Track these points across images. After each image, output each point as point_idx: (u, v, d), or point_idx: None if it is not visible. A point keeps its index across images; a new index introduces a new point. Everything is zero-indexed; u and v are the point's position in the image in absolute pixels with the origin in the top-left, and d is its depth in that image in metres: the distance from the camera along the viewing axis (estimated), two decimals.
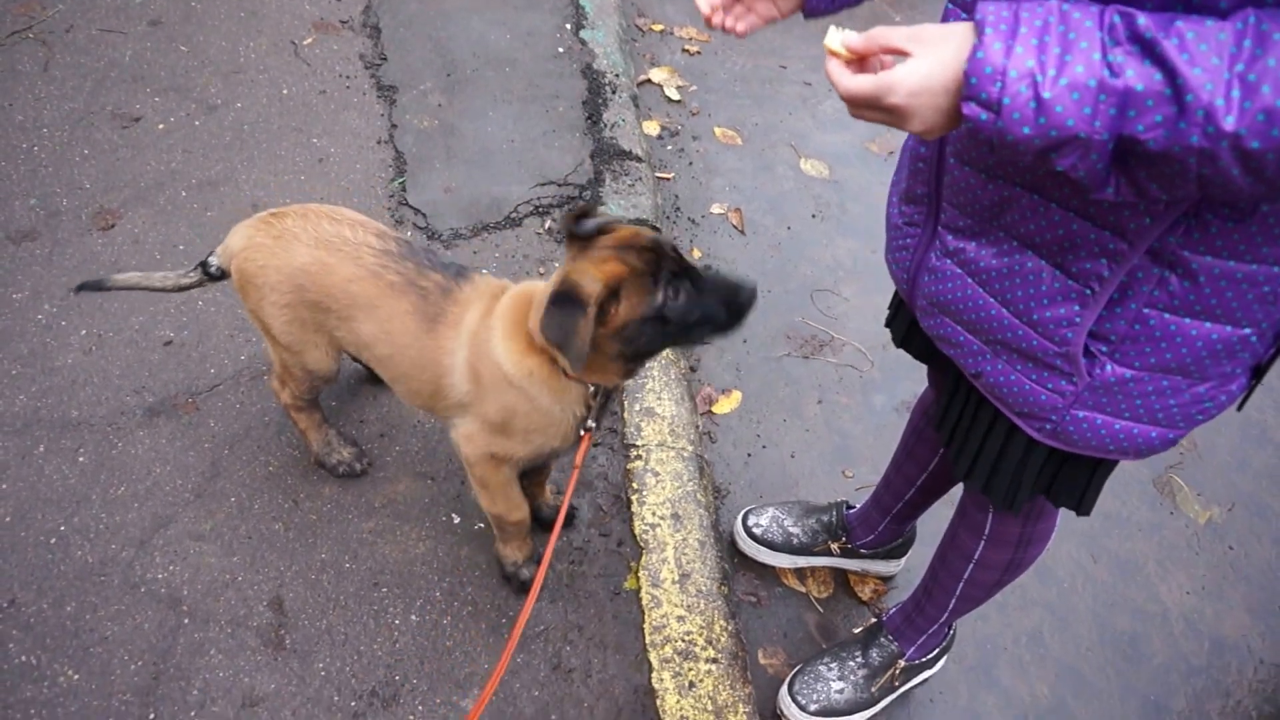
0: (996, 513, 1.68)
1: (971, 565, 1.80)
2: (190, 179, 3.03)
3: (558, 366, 1.72)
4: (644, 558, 2.31)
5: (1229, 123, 0.83)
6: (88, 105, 3.21)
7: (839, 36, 1.04)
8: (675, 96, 3.80)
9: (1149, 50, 0.85)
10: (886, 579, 2.43)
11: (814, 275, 3.19)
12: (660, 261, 1.58)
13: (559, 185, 3.17)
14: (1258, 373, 1.23)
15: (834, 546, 2.36)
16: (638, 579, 2.28)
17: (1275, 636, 2.48)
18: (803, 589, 2.40)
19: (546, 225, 3.05)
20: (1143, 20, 0.86)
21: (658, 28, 4.13)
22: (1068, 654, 2.39)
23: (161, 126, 3.18)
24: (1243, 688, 2.37)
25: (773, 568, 2.41)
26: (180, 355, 2.57)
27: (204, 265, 2.05)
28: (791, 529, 2.37)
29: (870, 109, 1.02)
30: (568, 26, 3.81)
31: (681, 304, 1.60)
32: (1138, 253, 1.10)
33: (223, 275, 2.04)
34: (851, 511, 2.35)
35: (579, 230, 1.62)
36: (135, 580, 2.15)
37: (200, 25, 3.56)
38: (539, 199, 3.12)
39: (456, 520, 2.33)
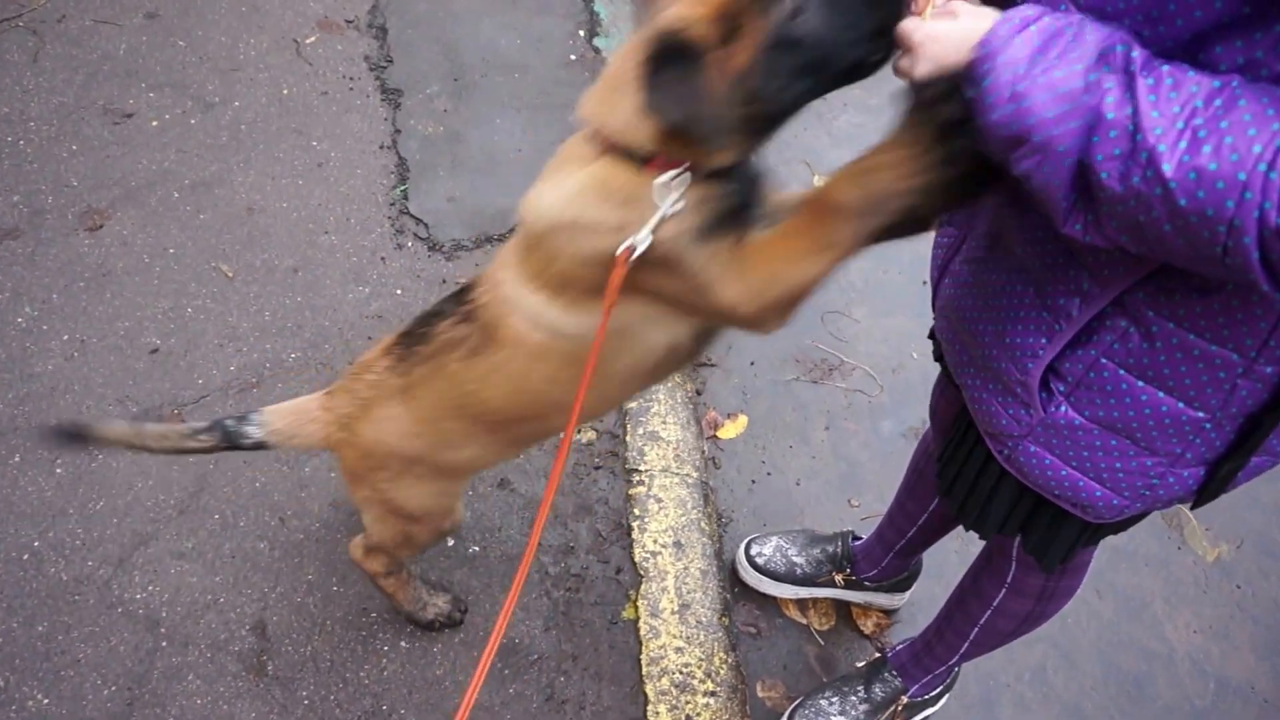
0: (1021, 561, 1.61)
1: (990, 612, 1.74)
2: (183, 179, 2.93)
3: (629, 160, 1.21)
4: (643, 586, 2.23)
5: (1165, 170, 0.83)
6: (78, 99, 3.11)
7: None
8: None
9: (1129, 84, 0.86)
10: (890, 612, 2.36)
11: (824, 296, 3.11)
12: None
13: None
14: (1215, 468, 1.18)
15: (838, 578, 2.28)
16: (636, 608, 2.20)
17: None
18: (803, 620, 2.32)
19: None
20: (1137, 53, 0.88)
21: None
22: (1071, 693, 2.32)
23: (155, 124, 3.08)
24: None
25: (774, 598, 2.33)
26: (167, 364, 2.47)
27: (227, 430, 1.68)
28: (795, 559, 2.30)
29: (903, 50, 1.05)
30: (581, 33, 3.73)
31: (816, 16, 1.11)
32: (1106, 298, 1.09)
33: (261, 446, 1.70)
34: (857, 543, 2.28)
35: None
36: (112, 600, 2.05)
37: (199, 19, 3.46)
38: None
39: (450, 543, 2.24)
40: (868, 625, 2.32)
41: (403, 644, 2.07)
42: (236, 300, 2.65)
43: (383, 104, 3.27)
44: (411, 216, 2.94)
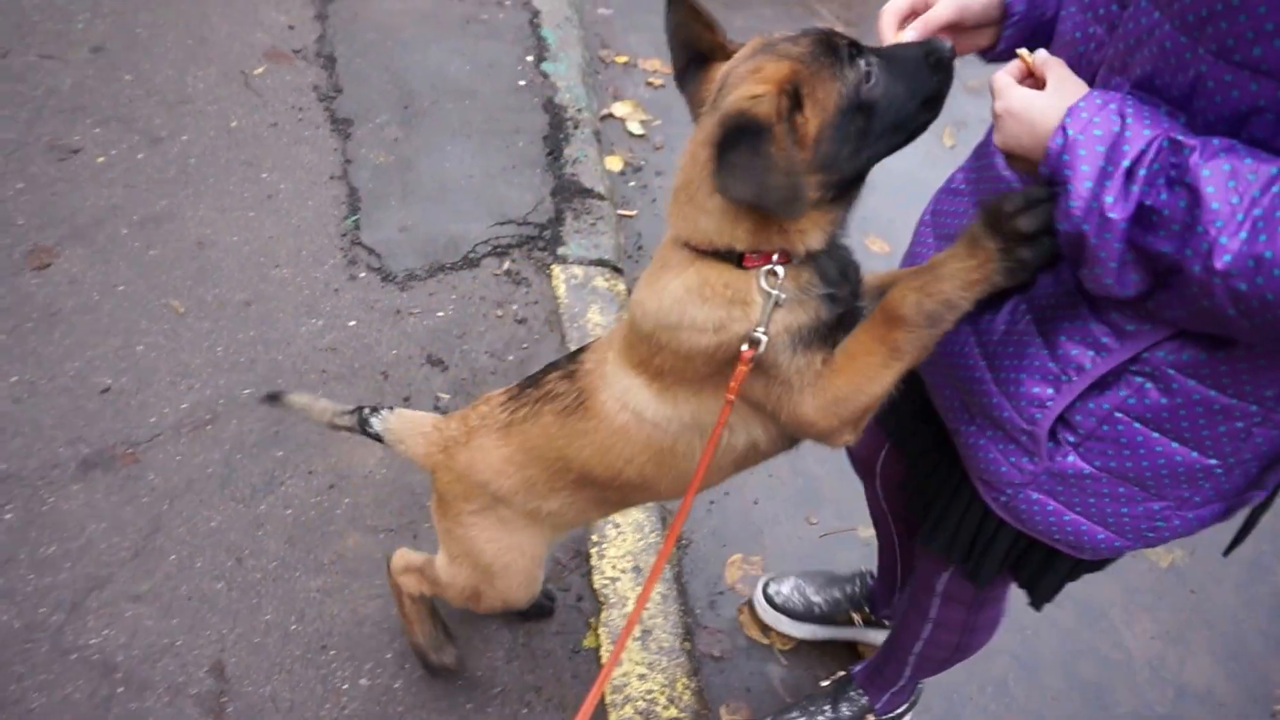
0: (953, 573, 1.65)
1: (920, 643, 1.78)
2: (132, 215, 2.92)
3: (724, 261, 1.26)
4: (603, 613, 2.24)
5: (1223, 261, 0.88)
6: (23, 136, 3.08)
7: (1040, 53, 1.11)
8: (638, 131, 3.77)
9: (1179, 179, 0.91)
10: None
11: None
12: (829, 38, 1.20)
13: (518, 224, 3.11)
14: (1250, 519, 1.27)
15: (856, 617, 2.28)
16: (597, 636, 2.21)
17: (1237, 681, 2.48)
18: (766, 641, 2.34)
19: (505, 266, 2.98)
20: (1188, 152, 0.92)
21: (621, 60, 4.10)
22: (1034, 703, 2.36)
23: (102, 159, 3.07)
24: None
25: (738, 622, 2.35)
26: (118, 403, 2.46)
27: (362, 416, 1.80)
28: (814, 598, 2.31)
29: (992, 94, 1.11)
30: (529, 58, 3.76)
31: (881, 81, 1.19)
32: (1126, 354, 1.11)
33: (379, 439, 1.78)
34: (874, 582, 2.28)
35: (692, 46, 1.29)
36: (66, 646, 2.03)
37: (146, 53, 3.45)
38: (497, 238, 3.05)
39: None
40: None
41: (363, 681, 2.06)
42: (188, 336, 2.64)
43: (333, 134, 3.28)
44: (364, 247, 2.95)
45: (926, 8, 1.28)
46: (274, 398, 1.92)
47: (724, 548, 2.50)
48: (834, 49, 1.19)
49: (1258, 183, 0.87)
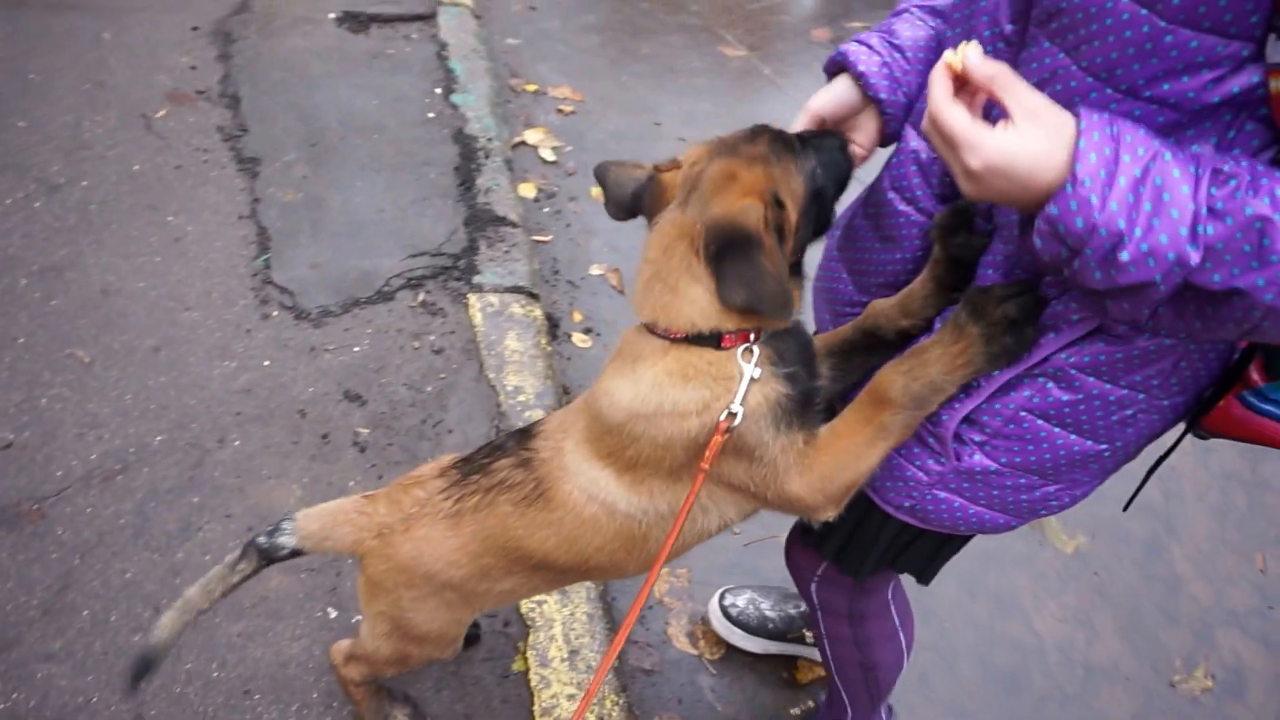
0: (820, 584, 1.70)
1: (826, 641, 1.84)
2: (30, 265, 2.87)
3: (702, 345, 1.32)
4: (531, 636, 2.27)
5: None
6: None
7: (970, 52, 0.97)
8: (551, 157, 3.83)
9: (1237, 211, 0.86)
10: None
11: None
12: (779, 134, 1.31)
13: (432, 255, 3.14)
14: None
15: (808, 635, 2.33)
16: (526, 659, 2.24)
17: (1140, 657, 2.61)
18: (695, 651, 2.40)
19: (420, 298, 3.01)
20: (1234, 181, 0.87)
21: (531, 88, 4.16)
22: (954, 694, 2.46)
23: None
24: (1116, 710, 2.48)
25: (666, 634, 2.40)
26: (22, 458, 2.41)
27: (261, 549, 1.64)
28: (768, 613, 2.35)
29: (940, 139, 0.99)
30: (438, 90, 3.81)
31: (822, 169, 1.31)
32: (1032, 360, 1.17)
33: (295, 554, 1.66)
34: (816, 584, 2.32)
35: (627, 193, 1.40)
36: None
37: (40, 99, 3.40)
38: (411, 271, 3.08)
39: (333, 614, 2.24)
40: (807, 677, 2.39)
41: None
42: (95, 386, 2.60)
43: (240, 174, 3.27)
44: (276, 286, 2.95)
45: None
46: (144, 668, 1.68)
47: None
48: (788, 144, 1.30)
49: None
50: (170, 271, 2.93)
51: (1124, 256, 0.88)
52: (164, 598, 2.20)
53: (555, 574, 1.59)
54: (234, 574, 1.65)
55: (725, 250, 1.21)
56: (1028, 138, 0.91)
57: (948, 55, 0.98)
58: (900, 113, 1.35)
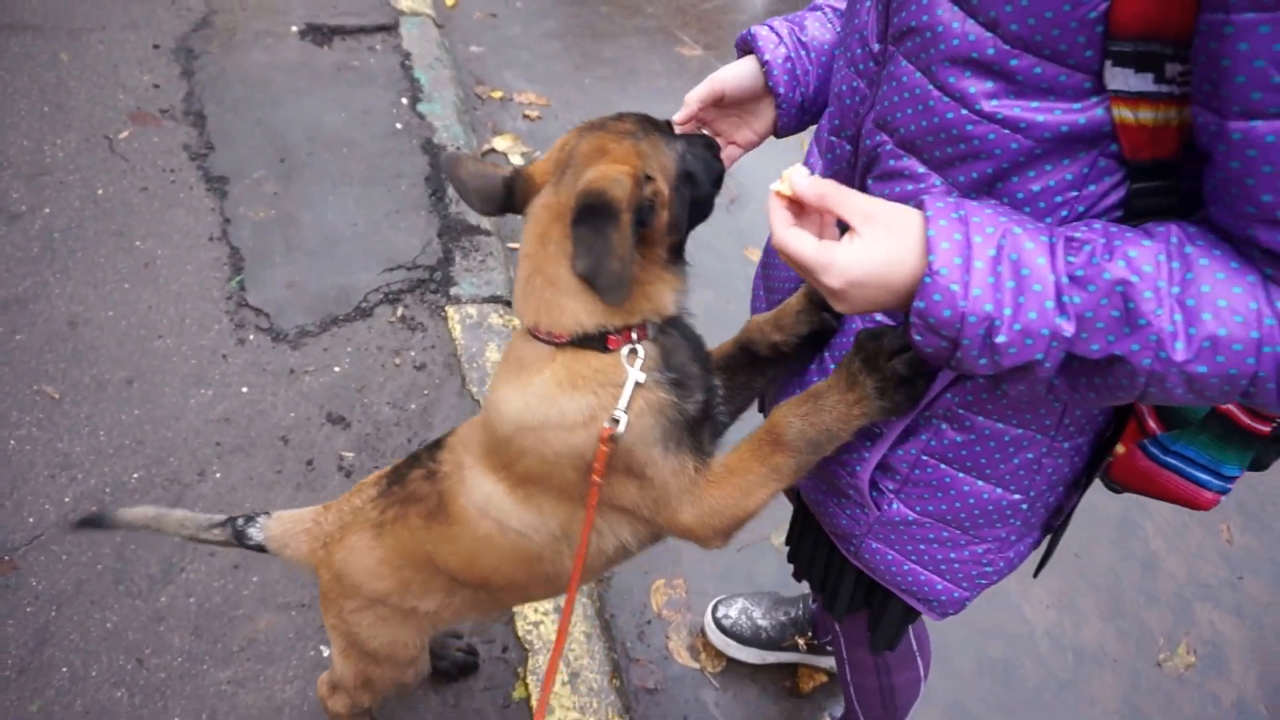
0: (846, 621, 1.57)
1: (847, 667, 1.69)
2: None
3: (588, 348, 1.16)
4: (530, 661, 2.08)
5: (1179, 348, 0.77)
6: None
7: (795, 177, 0.91)
8: (521, 163, 3.58)
9: (1096, 279, 0.79)
10: (834, 675, 2.25)
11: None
12: (647, 117, 1.21)
13: (408, 269, 2.90)
14: (1049, 533, 1.22)
15: (801, 642, 2.17)
16: (526, 686, 2.05)
17: (1125, 639, 2.49)
18: (697, 665, 2.22)
19: (399, 313, 2.77)
20: (1089, 247, 0.81)
21: (497, 94, 3.90)
22: (951, 690, 2.31)
23: None
24: (1107, 695, 2.35)
25: (668, 649, 2.22)
26: None
27: (236, 530, 1.54)
28: (760, 621, 2.18)
29: (795, 267, 0.90)
30: (404, 101, 3.54)
31: (693, 155, 1.21)
32: (922, 405, 1.07)
33: (260, 549, 1.55)
34: (815, 605, 2.17)
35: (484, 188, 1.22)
36: None
37: None
38: (389, 285, 2.84)
39: (326, 652, 2.02)
40: (809, 685, 2.22)
41: None
42: (66, 424, 2.34)
43: (208, 194, 2.99)
44: (251, 308, 2.69)
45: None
46: (93, 522, 1.56)
47: (646, 575, 2.36)
48: (657, 125, 1.21)
49: (1165, 263, 0.78)
50: (140, 299, 2.66)
51: (1001, 339, 0.81)
52: (148, 646, 1.97)
53: (470, 593, 1.43)
54: (205, 532, 1.56)
55: (583, 216, 1.09)
56: (873, 243, 0.85)
57: (774, 185, 0.93)
58: (795, 110, 1.25)
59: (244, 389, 2.50)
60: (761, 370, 1.31)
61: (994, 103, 0.85)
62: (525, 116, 3.83)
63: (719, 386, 1.27)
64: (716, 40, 4.50)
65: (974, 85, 0.85)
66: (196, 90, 3.35)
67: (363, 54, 3.68)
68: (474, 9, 4.33)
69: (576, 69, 4.09)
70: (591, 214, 1.08)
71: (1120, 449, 1.08)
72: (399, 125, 3.40)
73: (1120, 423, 1.08)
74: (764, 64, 1.23)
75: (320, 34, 3.70)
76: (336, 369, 2.60)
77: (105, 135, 3.12)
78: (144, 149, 3.10)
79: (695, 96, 1.26)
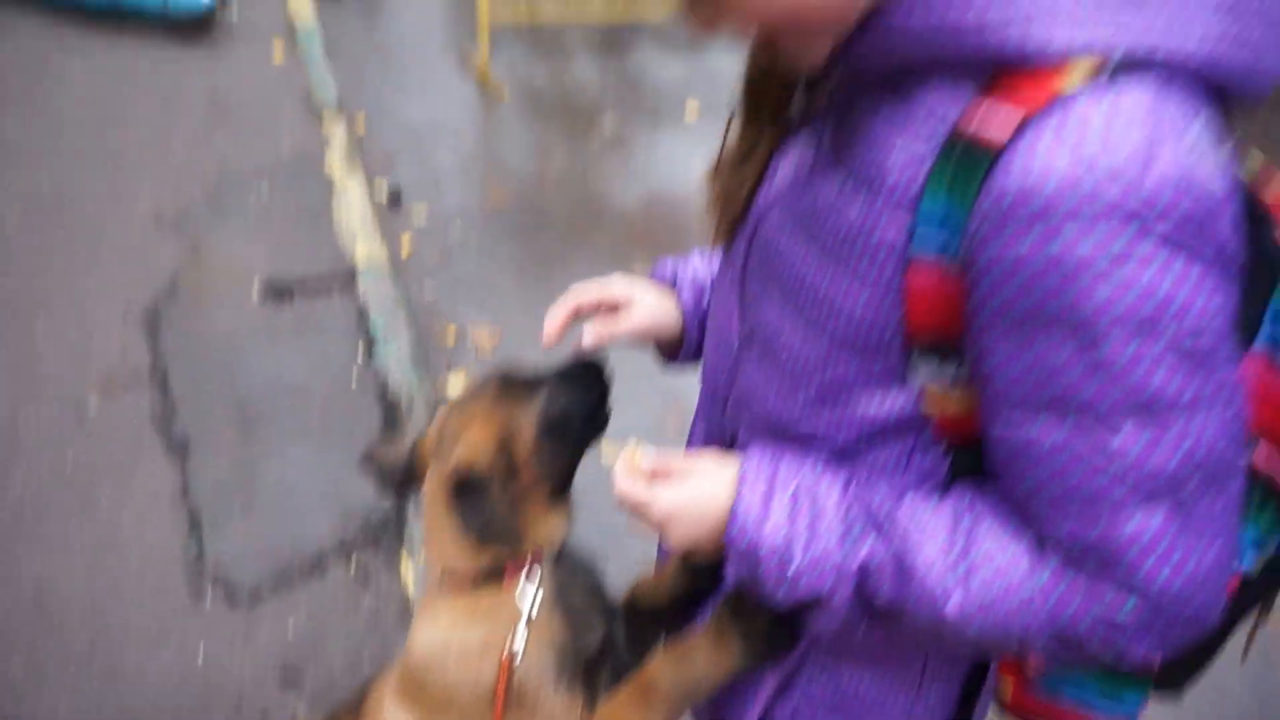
0: None
1: None
2: None
3: (488, 584, 1.31)
4: None
5: (950, 608, 0.84)
6: None
7: (637, 456, 1.03)
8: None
9: (880, 529, 0.88)
10: None
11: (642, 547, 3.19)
12: (507, 377, 1.37)
13: (363, 519, 3.06)
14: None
15: None
16: None
17: None
18: None
19: (353, 566, 2.91)
20: (878, 500, 0.89)
21: (451, 330, 4.19)
22: None
23: None
24: None
25: None
26: None
27: None
28: None
29: (630, 511, 1.02)
30: (360, 346, 3.82)
31: (558, 398, 1.33)
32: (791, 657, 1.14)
33: None
34: None
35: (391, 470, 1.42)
36: None
37: None
38: (343, 536, 2.99)
39: None
40: None
41: None
42: (30, 700, 2.40)
43: (169, 456, 3.17)
44: (208, 570, 2.82)
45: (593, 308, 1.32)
46: None
47: None
48: (513, 387, 1.36)
49: (948, 522, 0.86)
50: (107, 566, 2.77)
51: (791, 571, 0.89)
52: None
53: None
54: None
55: (457, 493, 1.29)
56: (691, 483, 0.97)
57: (623, 452, 1.03)
58: (694, 344, 1.34)
59: (200, 654, 2.59)
60: (658, 617, 1.37)
61: (822, 398, 0.93)
62: (479, 352, 4.11)
63: (620, 624, 1.35)
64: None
65: (804, 379, 0.93)
66: (162, 355, 3.60)
67: (320, 307, 4.00)
68: (430, 251, 4.71)
69: (529, 299, 4.40)
70: (464, 489, 1.28)
71: (1008, 682, 1.10)
72: (354, 374, 3.67)
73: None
74: (680, 306, 1.33)
75: (280, 289, 4.02)
76: (292, 624, 2.71)
77: (76, 403, 3.33)
78: (112, 415, 3.31)
79: (573, 298, 1.27)
